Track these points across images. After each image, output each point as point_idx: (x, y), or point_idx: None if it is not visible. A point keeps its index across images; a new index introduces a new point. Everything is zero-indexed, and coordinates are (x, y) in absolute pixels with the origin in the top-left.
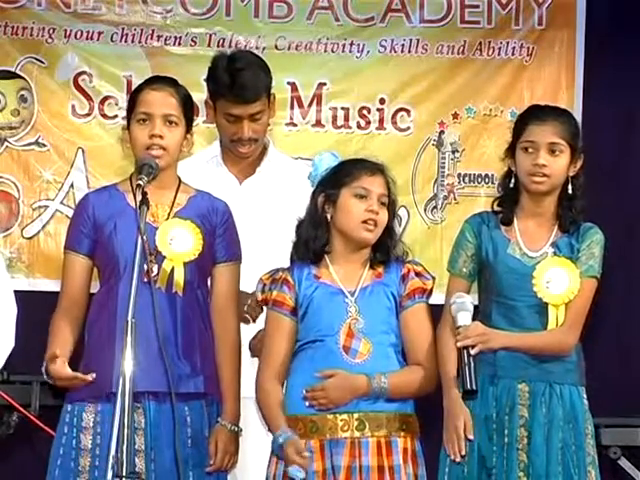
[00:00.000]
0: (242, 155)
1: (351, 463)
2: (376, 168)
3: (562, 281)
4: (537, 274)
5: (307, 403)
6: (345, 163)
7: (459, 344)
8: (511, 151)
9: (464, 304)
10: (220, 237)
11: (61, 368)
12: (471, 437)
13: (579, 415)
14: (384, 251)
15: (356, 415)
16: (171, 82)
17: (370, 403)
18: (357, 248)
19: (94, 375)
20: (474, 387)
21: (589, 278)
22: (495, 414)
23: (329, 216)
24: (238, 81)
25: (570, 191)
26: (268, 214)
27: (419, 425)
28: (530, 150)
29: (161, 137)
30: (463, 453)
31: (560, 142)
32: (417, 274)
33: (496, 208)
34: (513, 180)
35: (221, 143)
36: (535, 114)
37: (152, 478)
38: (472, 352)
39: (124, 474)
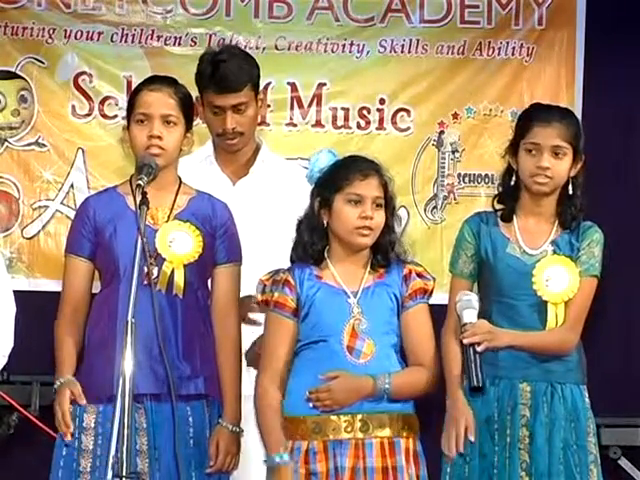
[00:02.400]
0: (229, 149)
1: (355, 464)
2: (370, 169)
3: (562, 279)
4: (537, 272)
5: (311, 404)
6: (339, 165)
7: (465, 341)
8: (512, 148)
9: (470, 302)
10: (220, 239)
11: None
12: (472, 438)
13: (581, 414)
14: (384, 252)
15: (359, 416)
16: (170, 82)
17: (374, 404)
18: (355, 251)
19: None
20: (481, 384)
21: (590, 277)
22: (497, 414)
23: (325, 221)
24: (219, 71)
25: (570, 191)
26: (262, 215)
27: (418, 425)
28: (533, 152)
29: (160, 137)
30: (461, 451)
31: (564, 145)
32: (418, 275)
33: (497, 205)
34: (514, 178)
35: (214, 143)
36: (539, 115)
37: (156, 478)
38: (478, 349)
39: (124, 474)
